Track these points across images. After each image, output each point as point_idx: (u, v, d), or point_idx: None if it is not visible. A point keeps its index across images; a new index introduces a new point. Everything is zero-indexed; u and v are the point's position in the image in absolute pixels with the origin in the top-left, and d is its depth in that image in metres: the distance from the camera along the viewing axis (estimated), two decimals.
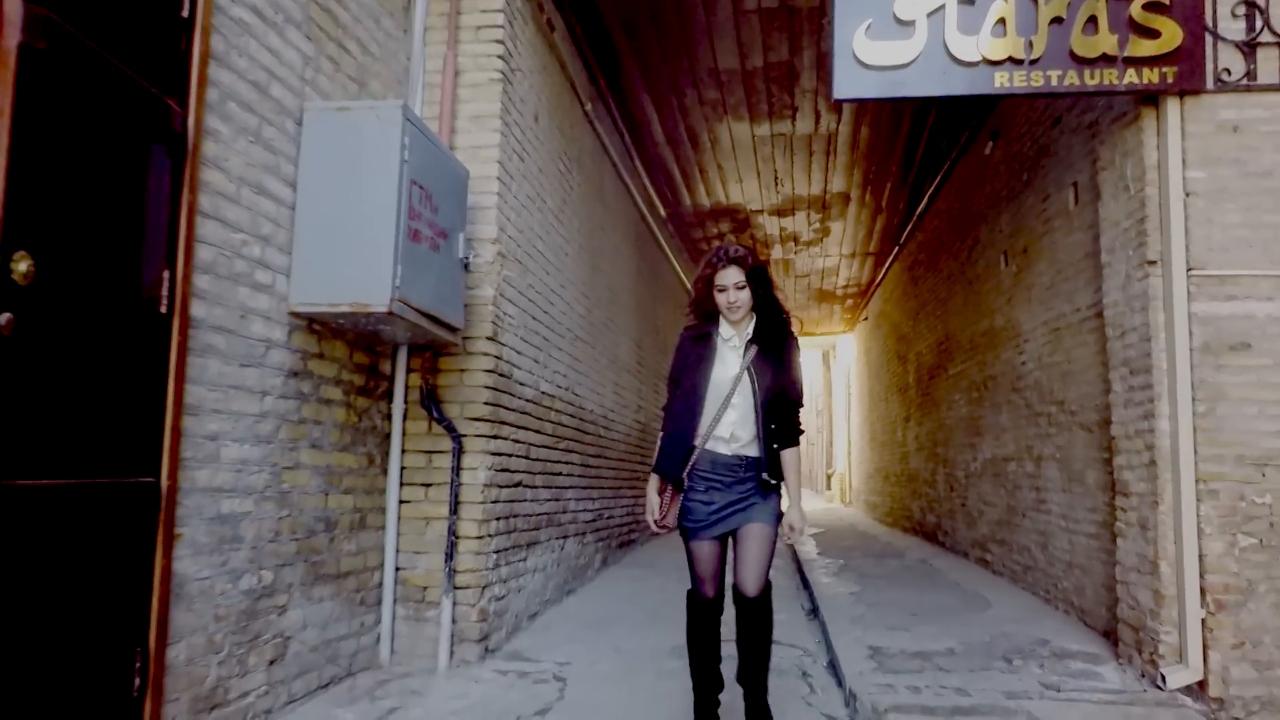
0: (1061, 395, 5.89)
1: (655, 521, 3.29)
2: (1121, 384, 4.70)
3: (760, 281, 3.29)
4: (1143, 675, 4.39)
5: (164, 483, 2.83)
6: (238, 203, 3.32)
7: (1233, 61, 4.27)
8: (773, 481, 3.25)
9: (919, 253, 10.88)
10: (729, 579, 3.31)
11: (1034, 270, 6.45)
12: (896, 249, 12.08)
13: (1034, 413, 6.47)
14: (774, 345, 3.31)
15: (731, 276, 3.27)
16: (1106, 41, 4.27)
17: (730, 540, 3.30)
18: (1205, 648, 4.10)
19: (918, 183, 9.69)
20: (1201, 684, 4.09)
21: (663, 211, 10.53)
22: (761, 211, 10.93)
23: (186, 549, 3.01)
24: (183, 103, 2.92)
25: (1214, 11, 4.28)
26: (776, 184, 9.93)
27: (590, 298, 7.19)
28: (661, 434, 3.38)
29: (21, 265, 2.24)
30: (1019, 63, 4.34)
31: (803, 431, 3.39)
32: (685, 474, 3.25)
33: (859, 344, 17.99)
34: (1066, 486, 5.83)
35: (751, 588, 3.20)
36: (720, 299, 3.30)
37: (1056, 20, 4.31)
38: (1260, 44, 4.26)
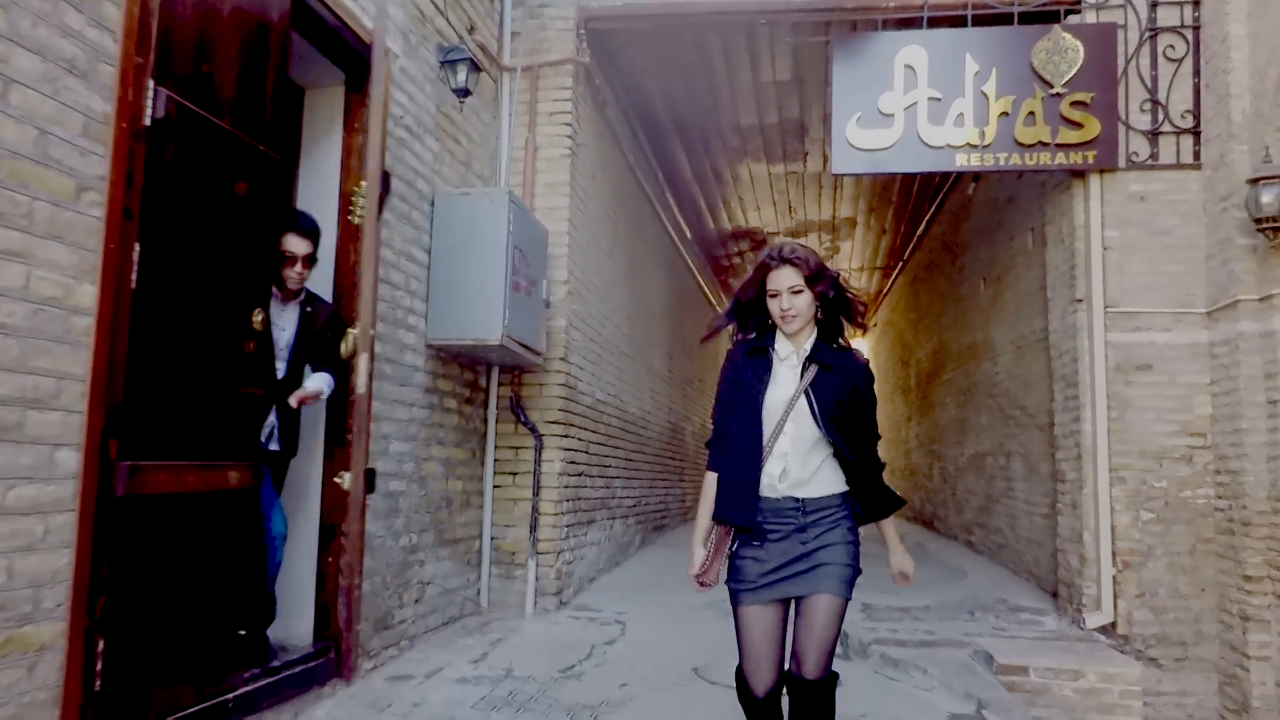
0: (1024, 401, 7.14)
1: (698, 578, 2.69)
2: (1060, 394, 5.96)
3: (824, 286, 2.67)
4: (1072, 622, 5.65)
5: (369, 465, 4.16)
6: (398, 268, 4.64)
7: (1140, 146, 5.52)
8: (864, 516, 2.66)
9: (918, 270, 12.12)
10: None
11: (1004, 296, 7.70)
12: (900, 265, 13.32)
13: (1004, 415, 7.73)
14: (838, 366, 2.66)
15: (786, 279, 2.66)
16: (1042, 131, 5.54)
17: (792, 607, 2.67)
18: (1115, 598, 5.36)
19: (915, 210, 10.93)
20: (1112, 625, 5.36)
21: (689, 234, 11.82)
22: (777, 233, 12.20)
23: (371, 514, 4.34)
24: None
25: (1126, 107, 5.53)
26: (790, 211, 11.20)
27: (632, 319, 8.49)
28: (713, 471, 2.72)
29: (258, 317, 3.54)
30: (975, 147, 5.61)
31: (901, 502, 2.79)
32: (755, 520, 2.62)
33: (870, 348, 19.20)
34: (1028, 477, 7.09)
35: (812, 669, 2.60)
36: (772, 305, 2.69)
37: (1004, 114, 5.58)
38: (1161, 133, 5.51)
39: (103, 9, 2.66)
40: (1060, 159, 5.54)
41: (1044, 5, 5.68)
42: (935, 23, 5.81)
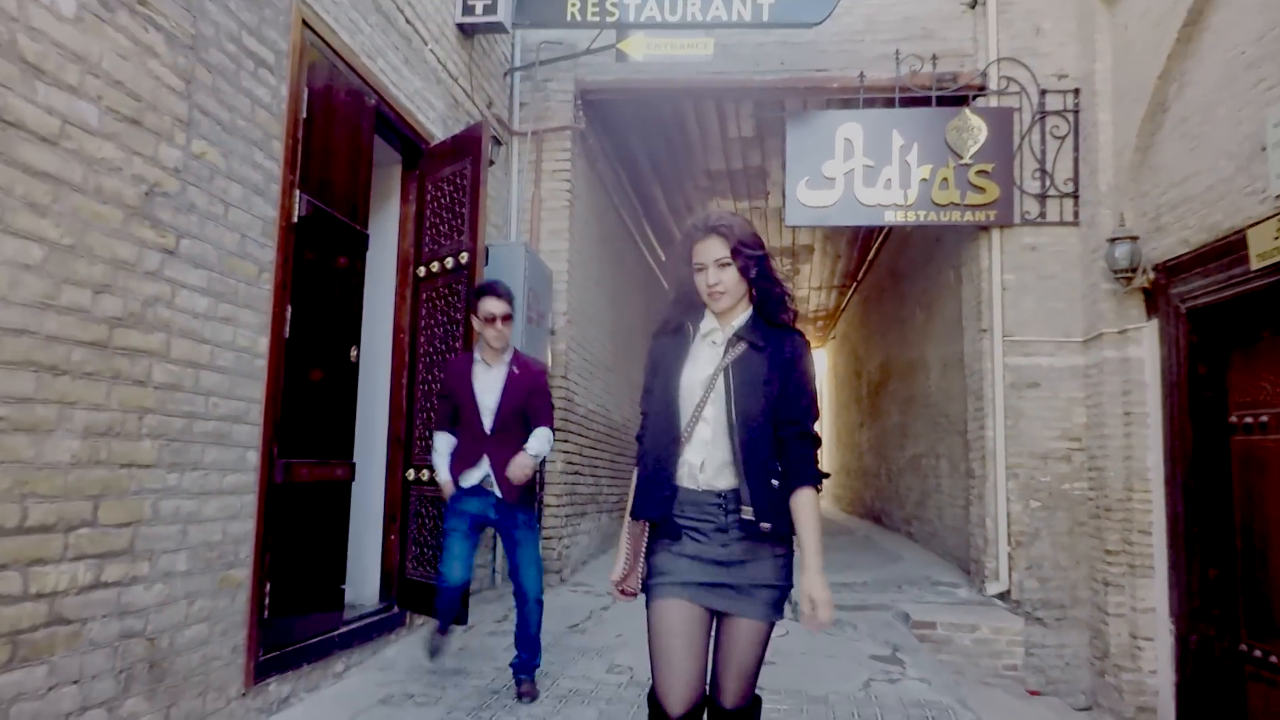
0: (948, 411, 8.47)
1: (616, 584, 2.40)
2: (971, 406, 7.28)
3: (745, 260, 2.33)
4: (978, 590, 6.97)
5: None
6: None
7: (1031, 206, 6.85)
8: (764, 527, 2.23)
9: (870, 290, 13.47)
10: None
11: (934, 321, 9.03)
12: (854, 285, 14.67)
13: (934, 423, 9.05)
14: (771, 346, 2.33)
15: (712, 250, 2.34)
16: (954, 194, 6.85)
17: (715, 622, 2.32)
18: (1010, 570, 6.68)
19: (865, 239, 12.27)
20: (1007, 592, 6.67)
21: (662, 256, 13.08)
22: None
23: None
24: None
25: (1020, 174, 6.87)
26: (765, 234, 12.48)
27: (615, 337, 9.72)
28: (636, 467, 2.43)
29: (354, 352, 4.74)
30: (901, 206, 6.91)
31: (826, 475, 2.38)
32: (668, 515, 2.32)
33: (829, 358, 20.59)
34: (951, 475, 8.41)
35: (731, 699, 2.31)
36: (699, 280, 2.37)
37: (924, 180, 6.89)
38: (1048, 196, 6.85)
39: (272, 146, 3.85)
40: (968, 217, 6.86)
41: (956, 91, 7.01)
42: (869, 103, 7.11)
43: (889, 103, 7.07)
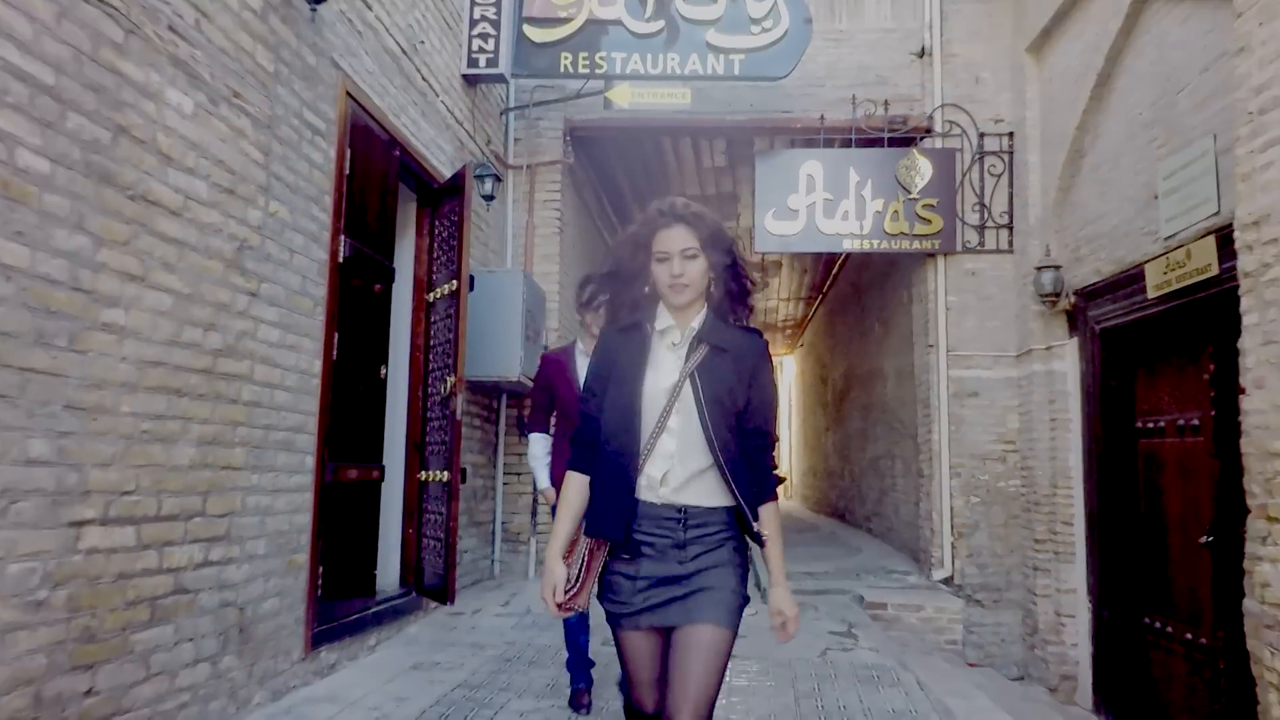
0: (902, 417, 9.33)
1: (560, 605, 2.21)
2: (920, 412, 8.14)
3: (721, 254, 2.23)
4: (926, 576, 7.82)
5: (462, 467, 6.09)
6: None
7: (971, 236, 7.72)
8: (765, 535, 2.21)
9: (834, 302, 14.35)
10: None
11: (891, 335, 9.90)
12: (820, 297, 15.55)
13: (891, 427, 9.92)
14: (734, 348, 2.22)
15: (679, 240, 2.18)
16: (904, 225, 7.70)
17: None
18: (953, 558, 7.53)
19: (831, 257, 13.14)
20: (951, 577, 7.53)
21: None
22: None
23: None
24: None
25: (961, 208, 7.73)
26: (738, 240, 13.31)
27: None
28: (577, 472, 2.26)
29: (383, 371, 5.47)
30: (857, 235, 7.75)
31: (782, 480, 2.32)
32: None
33: (797, 365, 21.49)
34: (905, 474, 9.27)
35: (685, 718, 2.09)
36: (659, 271, 2.20)
37: (877, 212, 7.74)
38: (987, 227, 7.72)
39: (324, 200, 4.60)
40: (916, 245, 7.71)
41: (905, 133, 7.86)
42: (829, 143, 7.95)
43: (846, 143, 7.91)
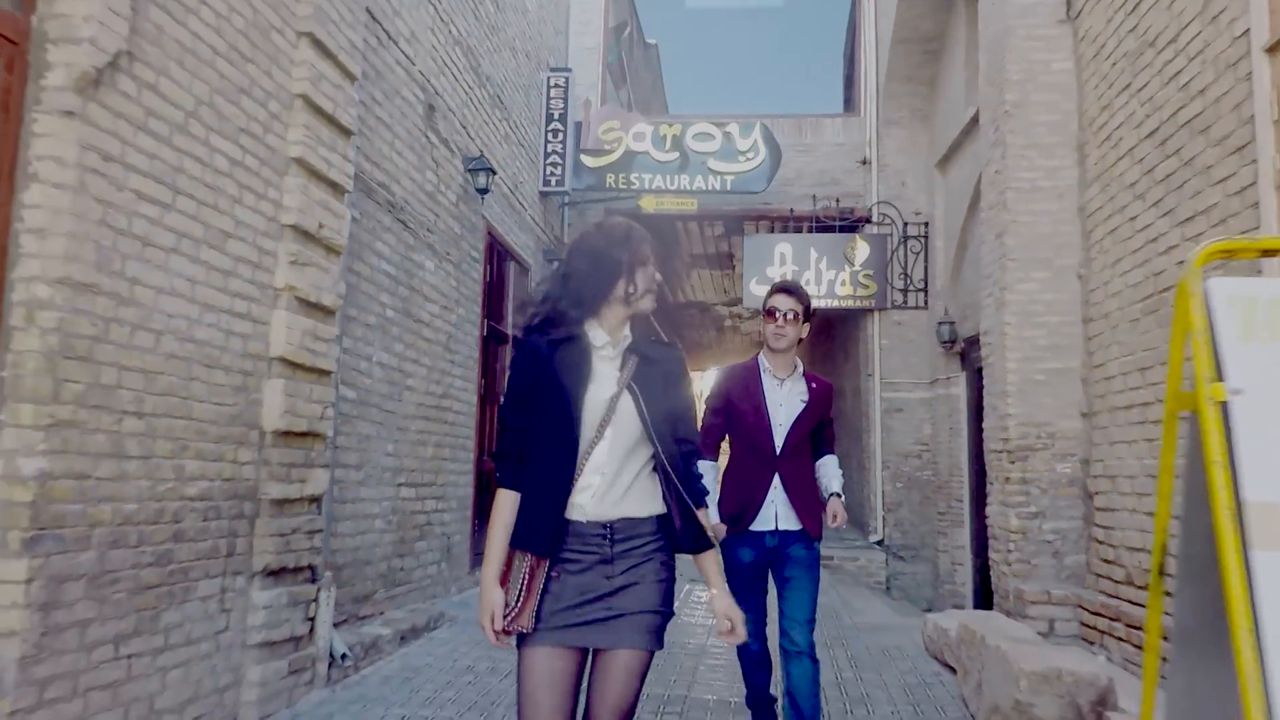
0: (856, 426, 12.39)
1: (502, 630, 2.07)
2: (862, 423, 11.21)
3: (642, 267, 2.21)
4: (865, 539, 10.87)
5: None
6: None
7: (898, 297, 10.79)
8: (661, 553, 2.14)
9: (815, 334, 17.42)
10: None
11: (849, 362, 12.96)
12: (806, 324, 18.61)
13: (850, 433, 12.97)
14: (661, 361, 2.21)
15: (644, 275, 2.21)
16: (849, 290, 10.77)
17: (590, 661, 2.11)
18: (884, 526, 10.60)
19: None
20: (882, 540, 10.60)
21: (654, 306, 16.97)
22: (717, 304, 17.41)
23: None
24: None
25: (890, 276, 10.79)
26: (725, 291, 16.40)
27: None
28: (507, 489, 2.15)
29: (501, 398, 8.57)
30: (816, 296, 10.79)
31: (705, 492, 2.26)
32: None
33: None
34: (859, 469, 12.30)
35: None
36: (647, 299, 2.21)
37: (830, 280, 10.80)
38: (909, 290, 10.78)
39: (477, 300, 7.71)
40: (858, 304, 10.77)
41: (852, 221, 10.92)
42: (796, 229, 11.01)
43: (809, 229, 10.98)
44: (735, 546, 3.49)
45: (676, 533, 2.14)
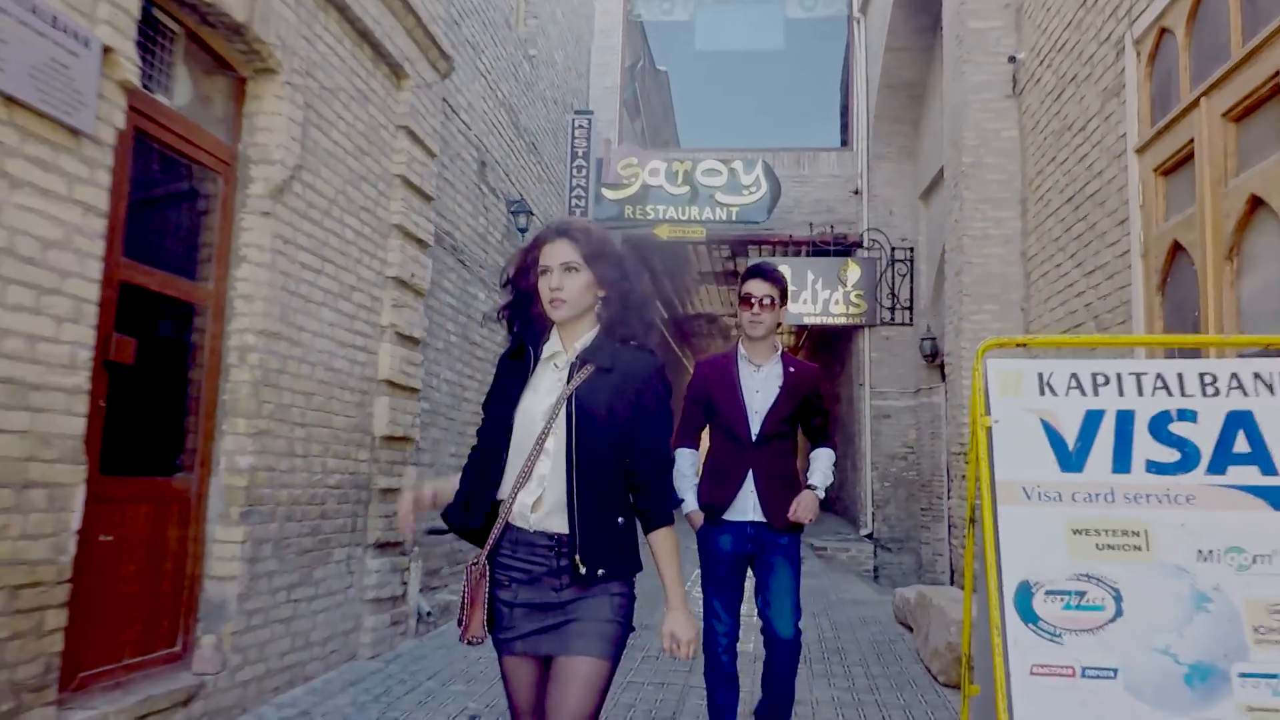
0: (850, 429, 13.58)
1: (460, 635, 2.13)
2: (855, 426, 12.41)
3: (606, 267, 2.11)
4: (856, 533, 12.07)
5: None
6: None
7: (886, 315, 11.98)
8: (587, 571, 2.02)
9: (816, 342, 18.62)
10: None
11: (844, 372, 14.15)
12: (805, 335, 19.84)
13: (845, 436, 14.19)
14: (620, 367, 2.09)
15: (560, 253, 2.09)
16: (842, 308, 11.98)
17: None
18: (873, 521, 11.79)
19: None
20: (871, 533, 11.79)
21: (666, 316, 18.20)
22: (722, 315, 18.64)
23: None
24: None
25: (879, 296, 12.00)
26: (730, 304, 17.62)
27: None
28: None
29: None
30: (813, 314, 12.04)
31: (678, 502, 2.30)
32: (488, 548, 2.08)
33: None
34: (853, 469, 13.51)
35: None
36: (541, 285, 2.11)
37: (825, 299, 12.00)
38: (896, 308, 11.98)
39: None
40: (850, 321, 11.98)
41: (845, 246, 12.12)
42: (795, 252, 12.22)
43: (807, 253, 12.19)
44: (715, 535, 3.41)
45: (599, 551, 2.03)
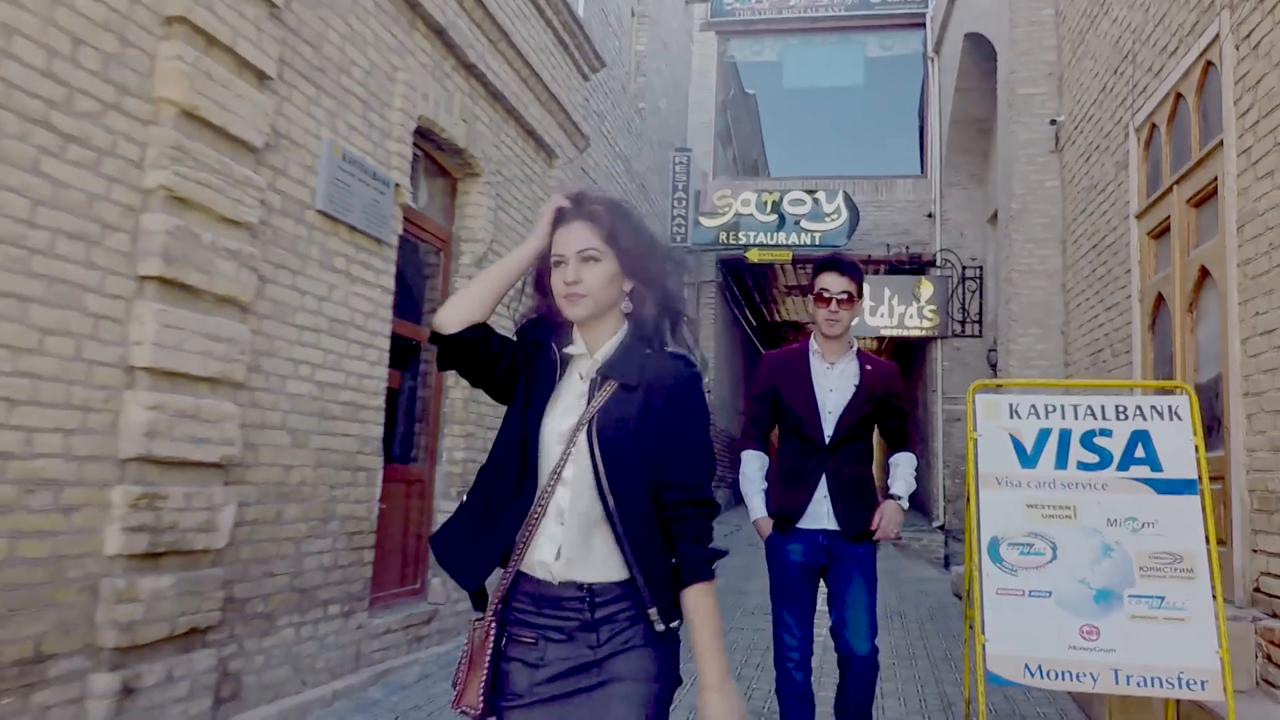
0: (924, 432, 14.76)
1: (453, 702, 1.76)
2: (926, 429, 13.64)
3: (634, 253, 1.73)
4: (929, 524, 13.31)
5: None
6: None
7: (957, 328, 13.19)
8: (663, 627, 1.67)
9: (891, 355, 19.77)
10: None
11: (919, 379, 15.34)
12: (887, 344, 21.00)
13: (922, 438, 15.38)
14: (646, 381, 1.72)
15: (576, 239, 1.71)
16: (916, 321, 13.23)
17: None
18: (944, 513, 13.02)
19: None
20: (943, 525, 13.03)
21: (754, 323, 19.62)
22: (807, 322, 19.97)
23: None
24: None
25: (950, 310, 13.20)
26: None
27: (721, 384, 16.22)
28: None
29: None
30: (889, 326, 13.32)
31: (722, 553, 1.72)
32: (496, 602, 1.73)
33: None
34: (926, 469, 14.71)
35: None
36: (554, 279, 1.73)
37: (900, 313, 13.27)
38: (966, 321, 13.17)
39: None
40: (924, 334, 13.22)
41: (919, 264, 13.35)
42: (874, 271, 13.50)
43: (884, 271, 13.46)
44: (784, 544, 3.19)
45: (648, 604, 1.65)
